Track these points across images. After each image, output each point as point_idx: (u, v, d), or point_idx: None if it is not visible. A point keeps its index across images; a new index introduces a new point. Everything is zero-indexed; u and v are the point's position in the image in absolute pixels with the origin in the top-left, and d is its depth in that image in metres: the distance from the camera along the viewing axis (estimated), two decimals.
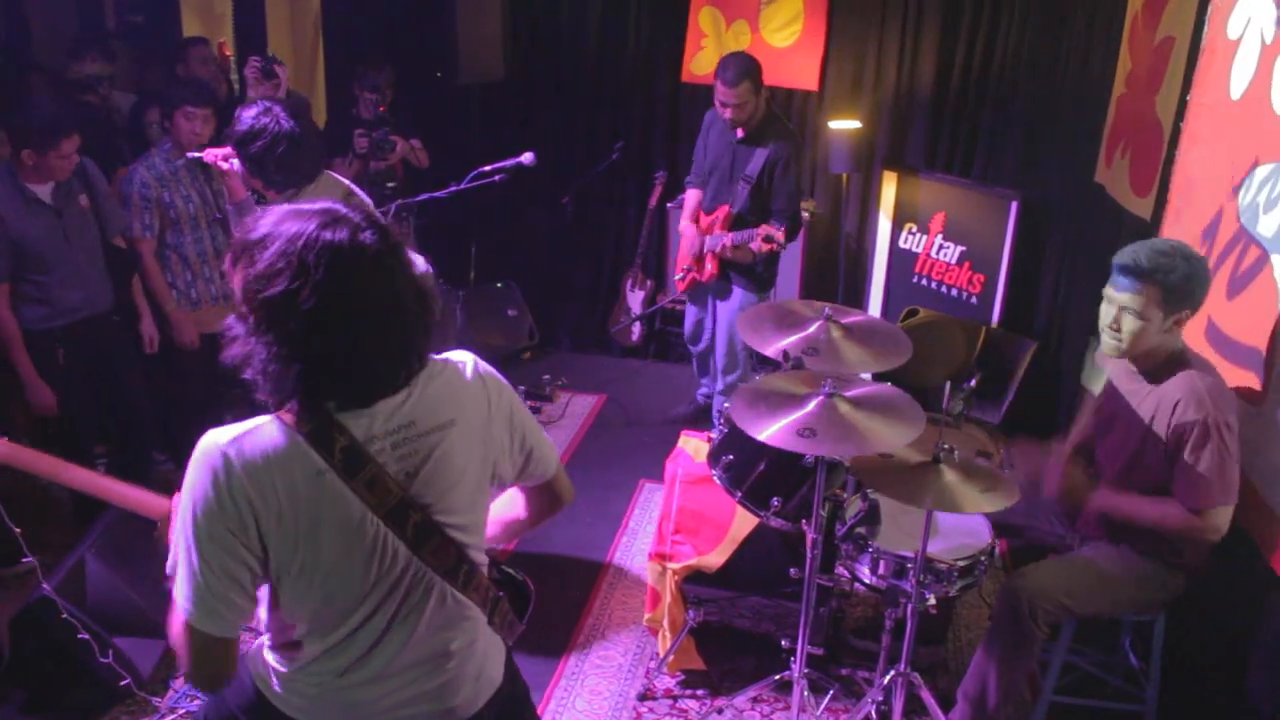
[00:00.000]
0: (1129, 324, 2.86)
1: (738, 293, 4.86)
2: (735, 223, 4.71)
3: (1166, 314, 2.82)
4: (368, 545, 1.73)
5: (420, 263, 3.74)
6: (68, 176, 3.86)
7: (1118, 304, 2.87)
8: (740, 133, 4.66)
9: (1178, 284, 2.78)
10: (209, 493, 1.63)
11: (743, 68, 4.48)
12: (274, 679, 1.88)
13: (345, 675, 1.83)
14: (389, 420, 1.73)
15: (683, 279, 5.03)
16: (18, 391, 3.93)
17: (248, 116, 3.42)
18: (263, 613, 1.84)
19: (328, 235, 1.61)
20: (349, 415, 1.70)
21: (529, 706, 2.22)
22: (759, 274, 4.82)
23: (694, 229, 4.90)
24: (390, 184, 5.47)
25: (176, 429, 4.65)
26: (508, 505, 2.16)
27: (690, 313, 5.24)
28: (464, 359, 1.91)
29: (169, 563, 1.73)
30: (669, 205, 5.99)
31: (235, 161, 3.54)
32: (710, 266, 4.84)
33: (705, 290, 5.03)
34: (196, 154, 3.89)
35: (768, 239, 4.42)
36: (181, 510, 1.67)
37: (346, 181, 3.78)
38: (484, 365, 1.93)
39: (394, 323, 1.67)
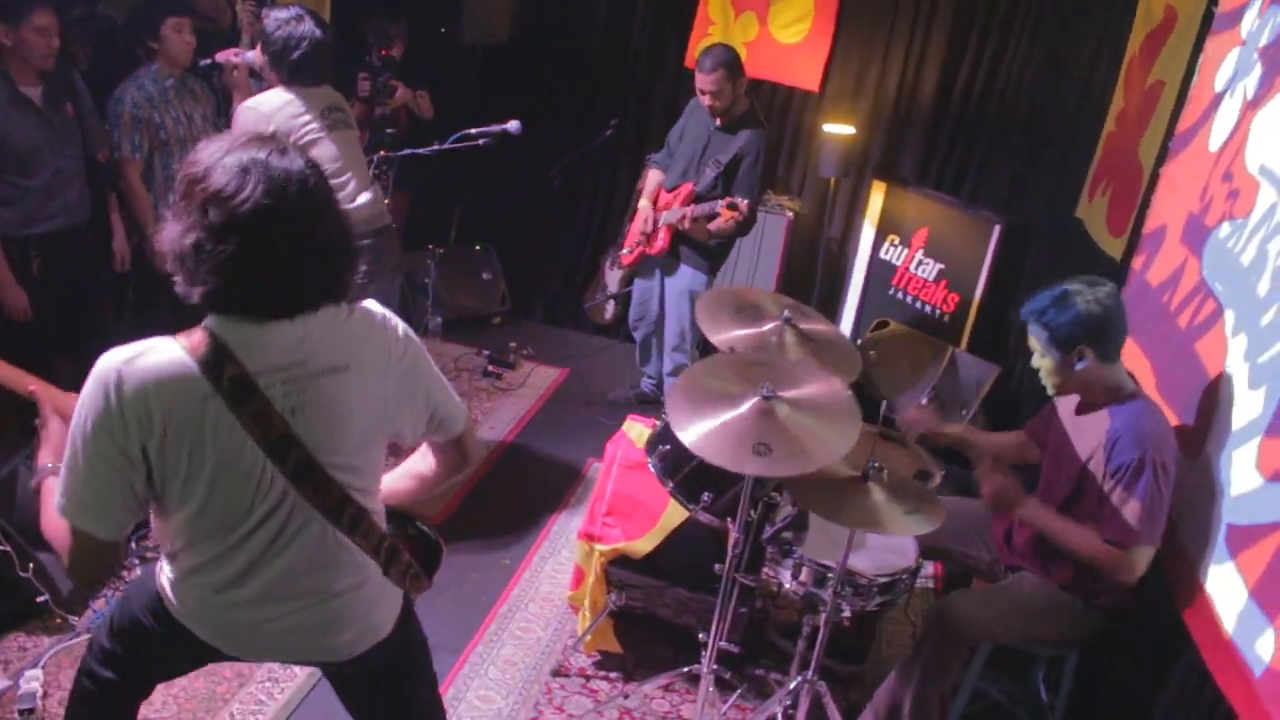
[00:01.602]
0: (1037, 362, 3.02)
1: (685, 270, 4.91)
2: (694, 202, 4.75)
3: (1062, 353, 2.92)
4: (245, 472, 1.80)
5: (367, 197, 4.01)
6: (51, 63, 3.81)
7: (1032, 347, 3.02)
8: (718, 120, 4.70)
9: (1060, 326, 2.90)
10: (99, 406, 1.70)
11: (719, 58, 4.56)
12: (168, 586, 1.98)
13: (221, 593, 1.91)
14: (282, 355, 1.79)
15: (630, 253, 5.08)
16: None
17: (279, 17, 3.78)
18: (154, 520, 1.93)
19: (272, 159, 1.71)
20: (243, 344, 1.75)
21: (421, 661, 2.26)
22: (709, 250, 4.86)
23: (650, 206, 4.95)
24: (390, 130, 5.44)
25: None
26: (418, 460, 2.21)
27: (637, 288, 5.28)
28: (374, 309, 1.96)
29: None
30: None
31: (247, 55, 4.02)
32: (662, 240, 4.87)
33: (653, 265, 5.07)
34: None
35: (731, 205, 4.48)
36: (75, 417, 1.74)
37: (340, 97, 4.07)
38: (394, 319, 1.98)
39: (304, 238, 1.73)
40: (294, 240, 1.71)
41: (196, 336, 1.74)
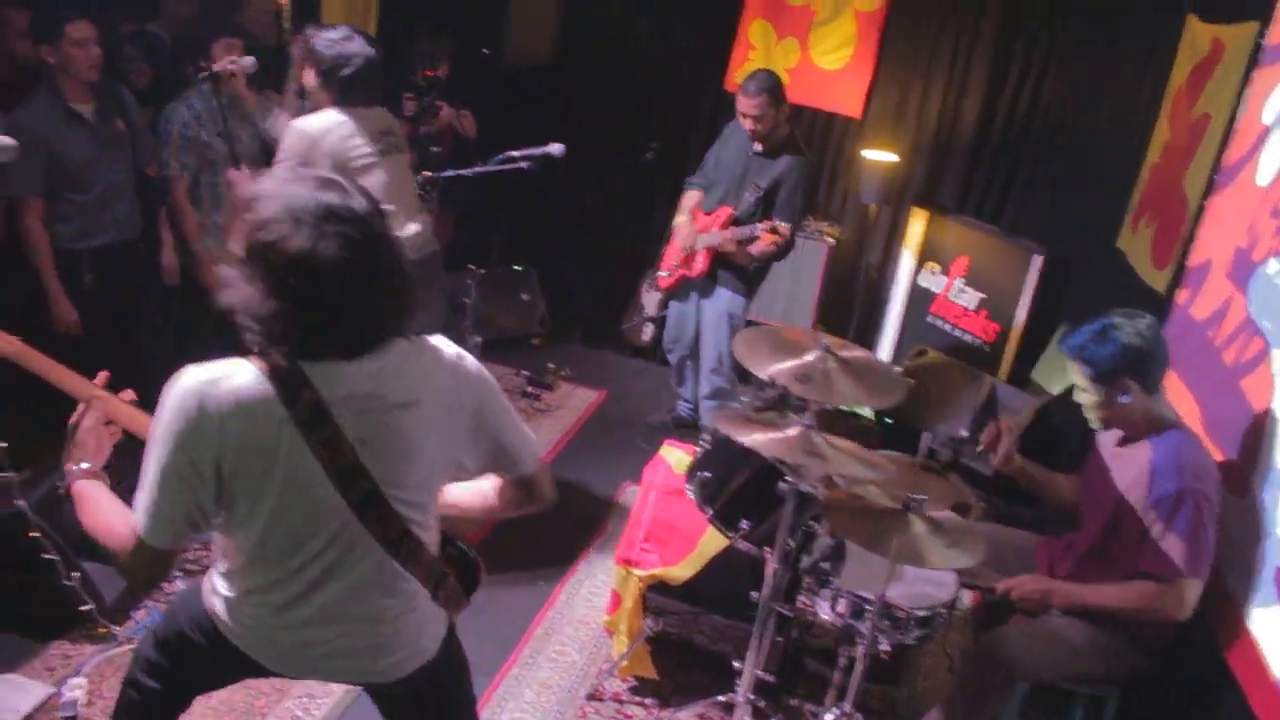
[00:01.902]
0: (1080, 397, 3.02)
1: (723, 293, 4.91)
2: (732, 225, 4.75)
3: (1106, 387, 2.92)
4: (311, 499, 1.83)
5: (415, 228, 3.96)
6: (94, 74, 3.88)
7: (1075, 382, 3.02)
8: (759, 146, 4.71)
9: (1103, 360, 2.89)
10: (178, 424, 1.75)
11: (764, 83, 4.58)
12: (220, 603, 2.02)
13: (277, 614, 1.96)
14: (356, 386, 1.82)
15: (669, 276, 5.08)
16: (39, 309, 3.98)
17: (329, 36, 3.69)
18: (217, 537, 1.97)
19: (322, 195, 1.73)
20: (320, 373, 1.78)
21: (463, 683, 2.30)
22: (747, 274, 4.86)
23: (689, 227, 4.95)
24: (434, 149, 5.50)
25: (185, 363, 4.71)
26: (485, 486, 2.22)
27: (673, 310, 5.28)
28: (446, 346, 1.98)
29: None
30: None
31: (245, 60, 3.98)
32: (701, 262, 4.88)
33: (690, 287, 5.08)
34: (205, 71, 4.12)
35: (773, 230, 4.48)
36: (152, 435, 1.79)
37: (394, 120, 4.01)
38: (466, 356, 2.00)
39: (374, 283, 1.76)
40: (364, 287, 1.74)
41: (275, 361, 1.78)
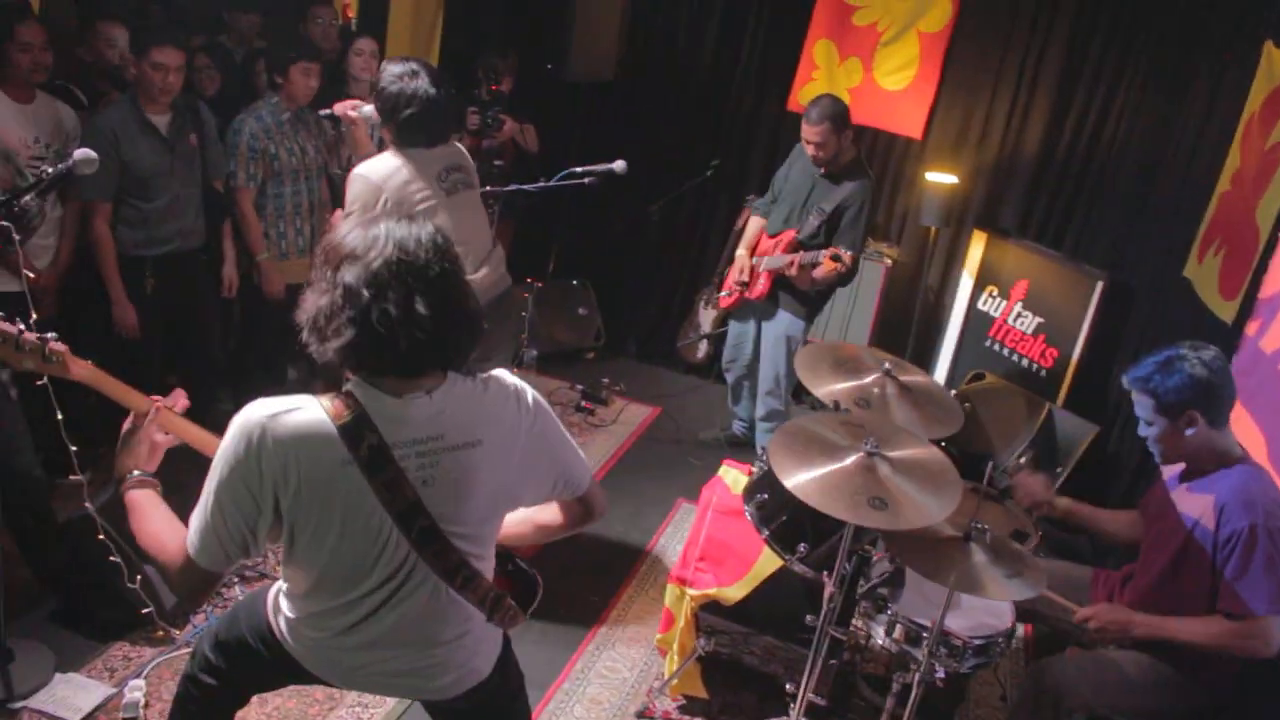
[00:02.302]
0: (1145, 430, 2.97)
1: (784, 316, 4.90)
2: (795, 249, 4.75)
3: (1170, 419, 2.88)
4: (371, 535, 1.88)
5: (484, 271, 3.82)
6: (166, 97, 3.96)
7: (1139, 415, 2.98)
8: (823, 169, 4.71)
9: (1167, 392, 2.85)
10: (239, 455, 1.79)
11: (826, 110, 4.57)
12: (282, 621, 2.08)
13: (337, 637, 2.01)
14: (419, 429, 1.86)
15: (730, 295, 5.09)
16: (99, 310, 4.07)
17: (393, 71, 3.51)
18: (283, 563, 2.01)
19: (400, 227, 1.79)
20: (384, 416, 1.82)
21: (518, 701, 2.34)
22: (809, 297, 4.85)
23: (745, 254, 4.99)
24: (497, 162, 5.55)
25: (243, 374, 4.81)
26: (544, 509, 2.26)
27: (733, 330, 5.29)
28: (508, 381, 2.02)
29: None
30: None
31: (364, 109, 3.77)
32: (763, 285, 4.87)
33: (751, 310, 5.07)
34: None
35: (835, 258, 4.47)
36: (215, 461, 1.83)
37: (464, 154, 3.83)
38: (525, 389, 2.04)
39: (444, 311, 1.80)
40: (421, 295, 1.77)
41: (340, 401, 1.82)
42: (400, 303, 1.74)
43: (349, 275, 1.74)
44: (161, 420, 2.18)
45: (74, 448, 3.13)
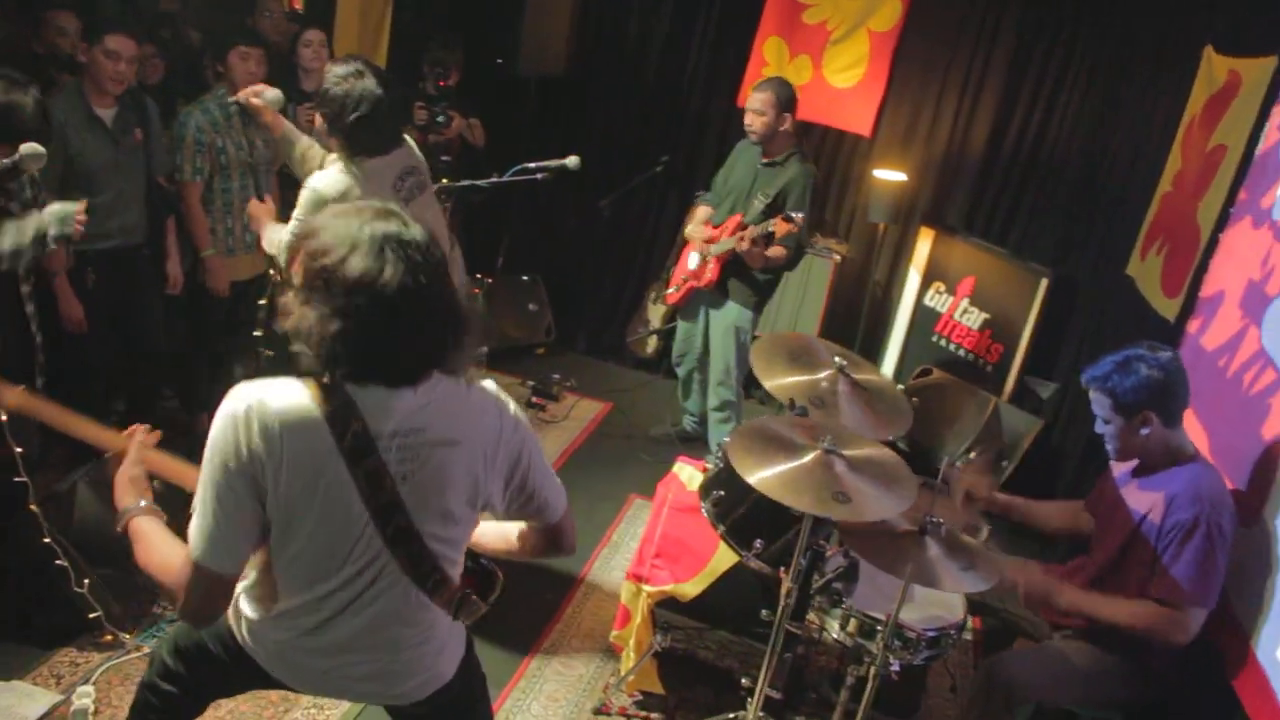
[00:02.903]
0: (1102, 428, 3.02)
1: (732, 306, 4.92)
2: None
3: (1127, 418, 2.93)
4: (347, 528, 1.85)
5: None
6: (117, 87, 3.87)
7: (1096, 413, 3.02)
8: (765, 158, 4.76)
9: (1125, 392, 2.90)
10: (228, 439, 1.76)
11: (775, 85, 4.66)
12: (244, 624, 2.03)
13: (302, 638, 1.97)
14: (404, 421, 1.84)
15: (678, 291, 5.11)
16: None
17: (337, 73, 3.31)
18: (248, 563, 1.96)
19: (379, 224, 1.76)
20: (369, 405, 1.80)
21: (482, 704, 2.32)
22: (758, 284, 4.86)
23: (699, 237, 4.99)
24: (445, 157, 5.51)
25: (189, 371, 4.74)
26: (509, 529, 2.25)
27: (681, 325, 5.30)
28: (491, 389, 2.00)
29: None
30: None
31: (269, 93, 3.70)
32: (712, 271, 4.89)
33: (700, 302, 5.09)
34: (232, 99, 4.08)
35: (787, 218, 4.47)
36: (206, 455, 1.79)
37: (418, 155, 3.69)
38: (506, 399, 2.03)
39: (429, 311, 1.77)
40: (422, 311, 1.75)
41: (324, 389, 1.79)
42: (388, 316, 1.72)
43: (337, 283, 1.70)
44: (142, 455, 2.14)
45: (18, 449, 3.09)
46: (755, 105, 4.66)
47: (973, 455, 4.54)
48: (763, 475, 2.71)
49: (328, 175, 3.38)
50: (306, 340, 1.74)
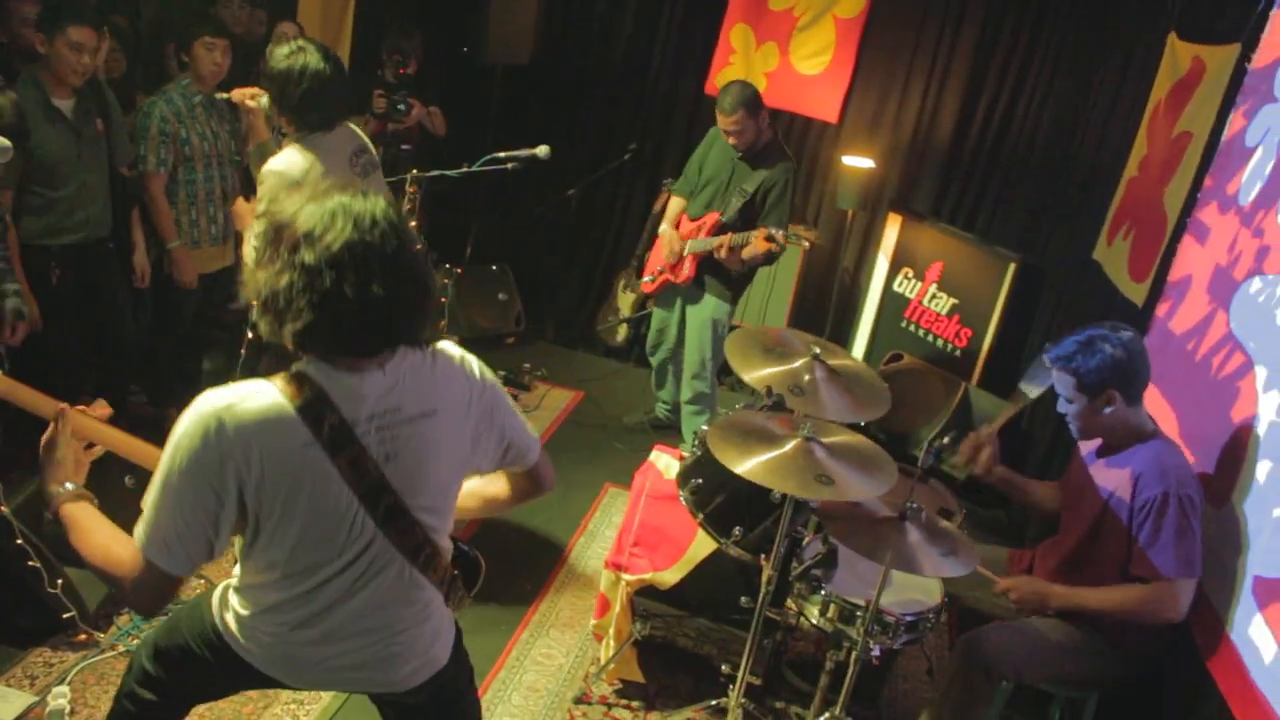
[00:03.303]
0: (1064, 407, 3.06)
1: (709, 300, 4.92)
2: (719, 231, 4.76)
3: (1091, 397, 2.97)
4: (339, 517, 1.84)
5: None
6: (79, 79, 3.81)
7: (1059, 393, 3.06)
8: (743, 153, 4.75)
9: (1089, 371, 2.94)
10: (196, 448, 1.72)
11: (737, 97, 4.57)
12: (233, 621, 2.00)
13: (296, 630, 1.95)
14: (376, 404, 1.83)
15: (653, 281, 5.11)
16: None
17: (279, 53, 3.37)
18: (238, 555, 1.93)
19: (355, 203, 1.74)
20: (341, 393, 1.79)
21: (471, 690, 2.31)
22: (734, 280, 4.87)
23: (674, 233, 4.97)
24: (405, 146, 5.48)
25: (157, 365, 4.68)
26: (490, 481, 2.26)
27: (656, 315, 5.30)
28: (453, 352, 2.00)
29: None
30: None
31: (263, 100, 3.60)
32: (688, 269, 4.89)
33: (675, 294, 5.10)
34: (225, 95, 4.02)
35: (769, 238, 4.49)
36: (166, 456, 1.75)
37: (363, 135, 3.73)
38: (471, 359, 2.03)
39: (401, 290, 1.74)
40: (380, 275, 1.71)
41: (296, 383, 1.77)
42: (359, 284, 1.69)
43: (308, 256, 1.68)
44: (80, 427, 2.06)
45: None
46: (730, 127, 4.62)
47: (945, 440, 4.57)
48: (747, 464, 2.73)
49: (285, 156, 3.41)
50: (264, 304, 1.72)
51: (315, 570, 1.88)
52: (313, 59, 3.33)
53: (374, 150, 3.79)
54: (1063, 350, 3.01)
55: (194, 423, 1.73)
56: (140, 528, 1.78)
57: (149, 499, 1.77)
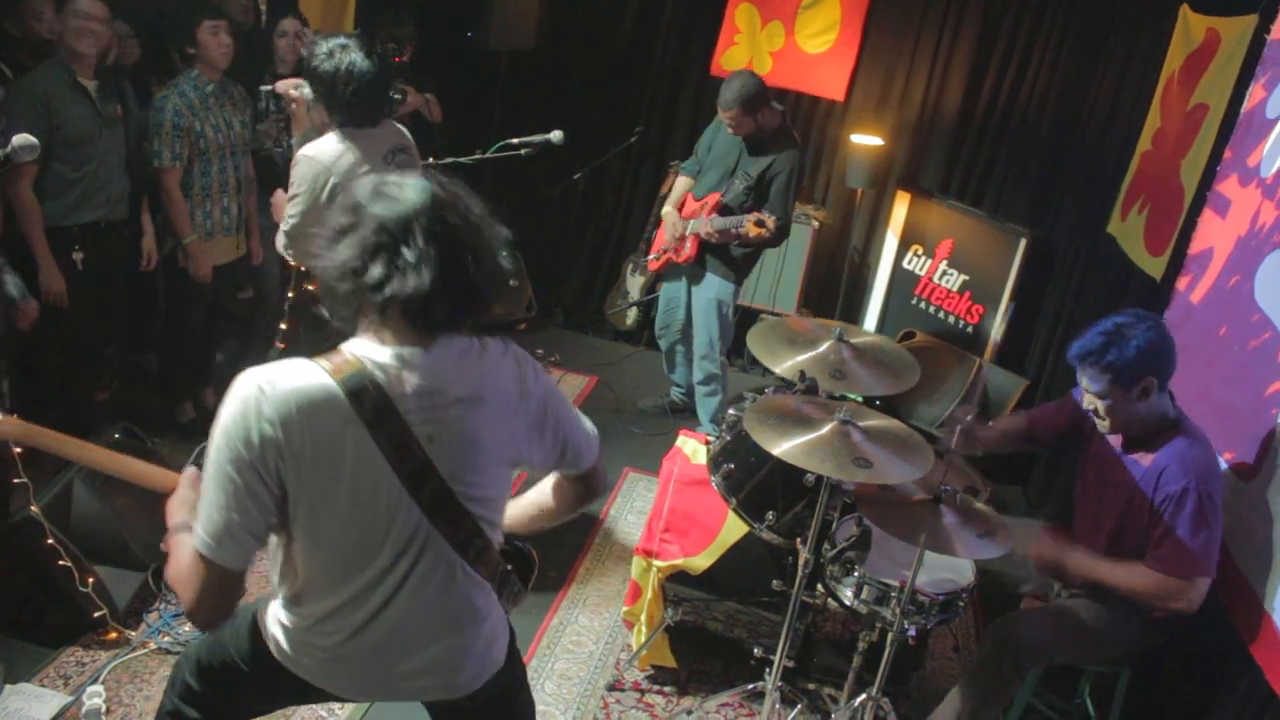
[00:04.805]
0: (1100, 405, 2.97)
1: (713, 280, 4.92)
2: (721, 212, 4.76)
3: (1126, 387, 2.89)
4: (381, 502, 1.78)
5: None
6: (91, 48, 3.83)
7: (1086, 390, 2.99)
8: (748, 141, 4.74)
9: (1120, 361, 2.85)
10: (239, 426, 1.69)
11: (735, 94, 4.54)
12: (284, 637, 1.93)
13: (353, 638, 1.88)
14: (422, 383, 1.78)
15: (657, 259, 5.11)
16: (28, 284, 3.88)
17: (323, 50, 3.36)
18: (275, 569, 1.89)
19: (410, 177, 1.76)
20: (384, 370, 1.75)
21: (525, 692, 2.27)
22: (736, 261, 4.86)
23: (676, 214, 4.97)
24: None
25: (172, 359, 4.68)
26: (543, 491, 2.22)
27: (663, 298, 5.29)
28: (507, 346, 1.95)
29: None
30: None
31: (305, 90, 3.57)
32: (690, 248, 4.89)
33: (680, 277, 5.10)
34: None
35: (759, 223, 4.49)
36: (213, 442, 1.72)
37: (407, 134, 3.76)
38: (523, 355, 1.98)
39: (466, 257, 1.73)
40: (458, 260, 1.72)
41: (338, 359, 1.74)
42: (432, 255, 1.69)
43: (372, 231, 1.71)
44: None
45: (17, 449, 3.02)
46: (728, 121, 4.63)
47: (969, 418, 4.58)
48: (785, 447, 2.74)
49: (320, 142, 3.44)
50: (338, 283, 1.73)
51: (361, 567, 1.82)
52: (358, 58, 3.33)
53: (414, 149, 3.79)
54: (1090, 345, 2.91)
55: (235, 403, 1.70)
56: (196, 526, 1.74)
57: (202, 492, 1.73)
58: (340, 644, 1.89)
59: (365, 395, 1.72)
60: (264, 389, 1.69)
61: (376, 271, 1.69)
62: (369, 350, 1.77)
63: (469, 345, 1.86)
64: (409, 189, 1.72)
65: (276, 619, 1.95)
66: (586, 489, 2.18)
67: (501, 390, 1.90)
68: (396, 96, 5.28)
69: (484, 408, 1.86)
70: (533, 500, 2.22)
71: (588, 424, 2.12)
